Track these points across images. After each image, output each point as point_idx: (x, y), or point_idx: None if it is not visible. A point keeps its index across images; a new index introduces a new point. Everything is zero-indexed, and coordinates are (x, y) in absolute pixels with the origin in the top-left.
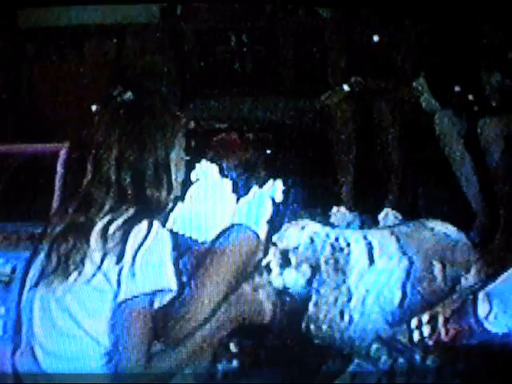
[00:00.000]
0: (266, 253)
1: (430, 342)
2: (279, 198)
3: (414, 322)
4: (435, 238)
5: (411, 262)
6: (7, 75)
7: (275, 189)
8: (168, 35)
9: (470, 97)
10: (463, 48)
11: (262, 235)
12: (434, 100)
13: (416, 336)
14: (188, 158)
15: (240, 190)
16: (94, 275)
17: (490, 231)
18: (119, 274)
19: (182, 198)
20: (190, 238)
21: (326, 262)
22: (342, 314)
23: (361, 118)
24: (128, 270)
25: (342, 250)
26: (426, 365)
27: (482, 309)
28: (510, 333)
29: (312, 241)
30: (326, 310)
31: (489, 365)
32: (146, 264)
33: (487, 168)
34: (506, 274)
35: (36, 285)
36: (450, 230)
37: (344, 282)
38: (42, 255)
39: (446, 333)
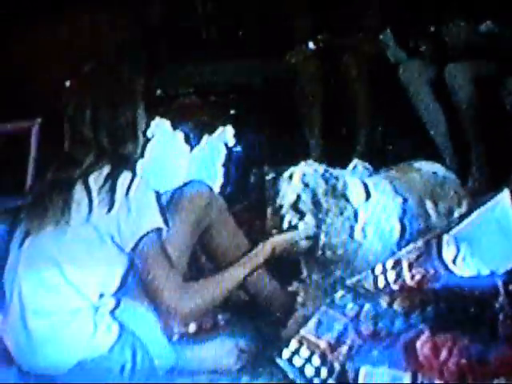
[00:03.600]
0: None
1: (396, 287)
2: (231, 142)
3: (378, 268)
4: (424, 177)
5: (405, 200)
6: None
7: (226, 134)
8: (134, 5)
9: (436, 45)
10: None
11: (219, 181)
12: (401, 52)
13: (381, 282)
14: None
15: (192, 141)
16: (82, 225)
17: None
18: (117, 225)
19: (141, 154)
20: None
21: (326, 193)
22: (351, 235)
23: (327, 74)
24: (125, 216)
25: (337, 179)
26: (393, 310)
27: (449, 252)
28: (479, 275)
29: (306, 184)
30: (337, 236)
31: (457, 308)
32: (138, 206)
33: (456, 111)
34: (473, 216)
35: (21, 243)
36: (436, 168)
37: (347, 205)
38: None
39: (412, 277)
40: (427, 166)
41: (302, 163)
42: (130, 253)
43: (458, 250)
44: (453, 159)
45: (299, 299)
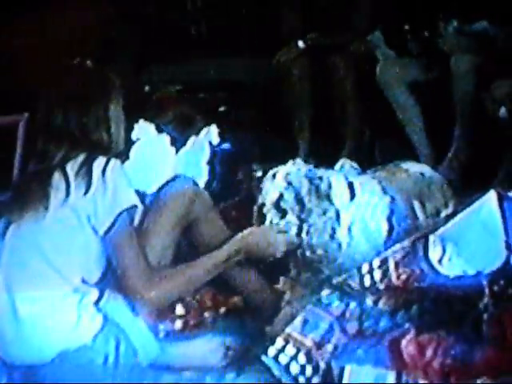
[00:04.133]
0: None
1: (382, 286)
2: (216, 140)
3: (364, 267)
4: (411, 178)
5: (393, 199)
6: None
7: (211, 133)
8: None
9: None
10: None
11: (204, 177)
12: (390, 52)
13: (367, 280)
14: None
15: (178, 143)
16: (61, 206)
17: None
18: (94, 205)
19: (126, 155)
20: (138, 190)
21: (309, 193)
22: (332, 236)
23: (317, 74)
24: (101, 196)
25: (321, 179)
26: (378, 309)
27: (435, 252)
28: (465, 275)
29: (289, 183)
30: (318, 236)
31: (443, 308)
32: (114, 186)
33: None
34: (459, 216)
35: (3, 233)
36: (424, 169)
37: (330, 206)
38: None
39: (398, 277)
40: (415, 167)
41: (289, 162)
42: (103, 238)
43: (444, 250)
44: (429, 158)
45: (286, 297)
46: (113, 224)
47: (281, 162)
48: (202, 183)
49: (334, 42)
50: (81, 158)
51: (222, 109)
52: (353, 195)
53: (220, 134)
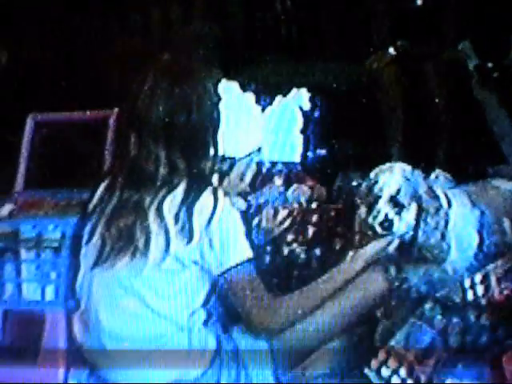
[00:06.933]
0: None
1: (484, 302)
2: (307, 106)
3: (467, 282)
4: (502, 196)
5: (482, 213)
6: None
7: (301, 97)
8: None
9: None
10: (508, 9)
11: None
12: (481, 62)
13: (470, 295)
14: None
15: (263, 102)
16: (163, 259)
17: None
18: (200, 254)
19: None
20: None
21: (425, 191)
22: (443, 236)
23: (407, 81)
24: (207, 248)
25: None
26: (480, 324)
27: None
28: None
29: (407, 179)
30: (432, 236)
31: None
32: (222, 239)
33: None
34: None
35: (93, 267)
36: None
37: (440, 207)
38: (97, 231)
39: (500, 292)
40: (506, 185)
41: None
42: (216, 276)
43: None
44: None
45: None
46: (225, 271)
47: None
48: (297, 155)
49: (424, 50)
50: (179, 191)
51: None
52: (450, 203)
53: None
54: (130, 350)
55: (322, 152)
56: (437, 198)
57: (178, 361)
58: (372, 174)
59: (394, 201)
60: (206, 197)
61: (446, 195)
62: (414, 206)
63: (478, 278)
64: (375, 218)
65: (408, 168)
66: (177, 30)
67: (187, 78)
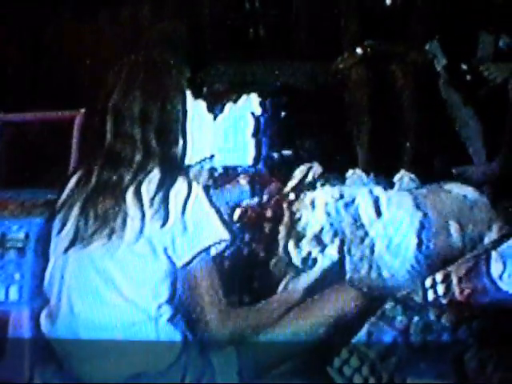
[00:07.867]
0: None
1: (445, 301)
2: (258, 111)
3: (428, 281)
4: (452, 199)
5: (425, 214)
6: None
7: (251, 102)
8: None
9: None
10: (476, 9)
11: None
12: (448, 62)
13: (430, 295)
14: None
15: (215, 110)
16: (136, 241)
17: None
18: (172, 238)
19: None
20: None
21: (348, 224)
22: (370, 267)
23: (374, 82)
24: (180, 232)
25: (353, 202)
26: (441, 323)
27: (496, 268)
28: None
29: (328, 214)
30: (362, 267)
31: (504, 323)
32: (196, 222)
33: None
34: None
35: (68, 248)
36: (467, 191)
37: (365, 235)
38: (71, 216)
39: (461, 292)
40: (458, 189)
41: (319, 188)
42: (181, 269)
43: (505, 267)
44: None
45: None
46: (194, 258)
47: (341, 170)
48: (249, 158)
49: (391, 50)
50: (155, 175)
51: (283, 114)
52: (379, 213)
53: (282, 140)
54: (100, 340)
55: (288, 152)
56: (361, 226)
57: (147, 352)
58: (297, 172)
59: (316, 240)
60: (181, 182)
61: (377, 203)
62: (336, 242)
63: (439, 277)
64: (299, 253)
65: (329, 197)
66: (145, 28)
67: (161, 70)
